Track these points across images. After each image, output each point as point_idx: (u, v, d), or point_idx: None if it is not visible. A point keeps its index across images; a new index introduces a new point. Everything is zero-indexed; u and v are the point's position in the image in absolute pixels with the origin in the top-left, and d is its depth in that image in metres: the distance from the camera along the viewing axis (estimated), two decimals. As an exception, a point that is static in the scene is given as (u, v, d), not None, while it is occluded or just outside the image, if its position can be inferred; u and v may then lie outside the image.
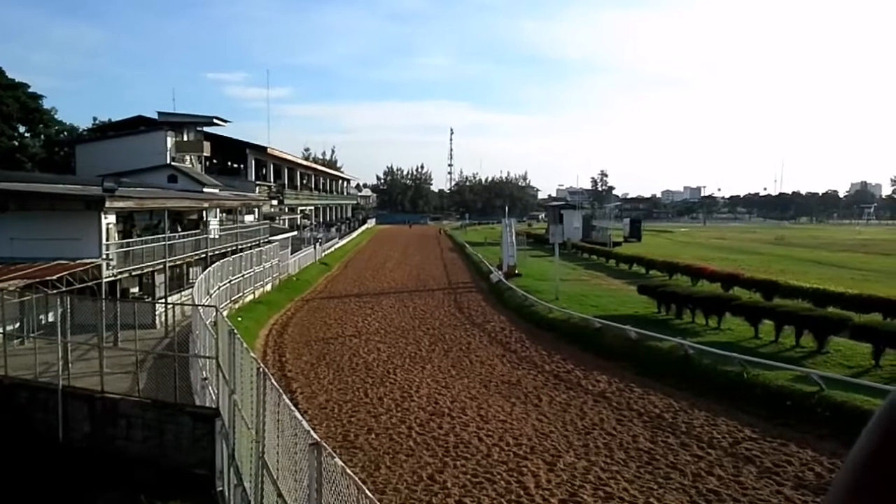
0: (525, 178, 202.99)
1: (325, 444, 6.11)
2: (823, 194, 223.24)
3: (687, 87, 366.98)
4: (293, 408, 7.52)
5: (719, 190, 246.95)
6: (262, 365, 9.39)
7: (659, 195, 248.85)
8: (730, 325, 26.79)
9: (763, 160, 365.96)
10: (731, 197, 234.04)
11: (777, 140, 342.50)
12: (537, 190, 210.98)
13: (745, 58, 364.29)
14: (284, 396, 7.89)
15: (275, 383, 8.44)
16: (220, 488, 13.78)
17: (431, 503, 13.41)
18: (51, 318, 22.61)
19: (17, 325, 22.50)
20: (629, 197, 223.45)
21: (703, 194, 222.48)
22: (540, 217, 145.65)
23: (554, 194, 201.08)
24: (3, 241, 24.37)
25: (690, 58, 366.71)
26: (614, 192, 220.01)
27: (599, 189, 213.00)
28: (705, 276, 38.71)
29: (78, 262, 24.40)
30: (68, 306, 19.68)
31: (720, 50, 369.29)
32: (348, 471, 5.53)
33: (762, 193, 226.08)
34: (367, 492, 5.13)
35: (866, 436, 0.75)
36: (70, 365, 18.48)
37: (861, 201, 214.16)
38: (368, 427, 17.92)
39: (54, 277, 22.27)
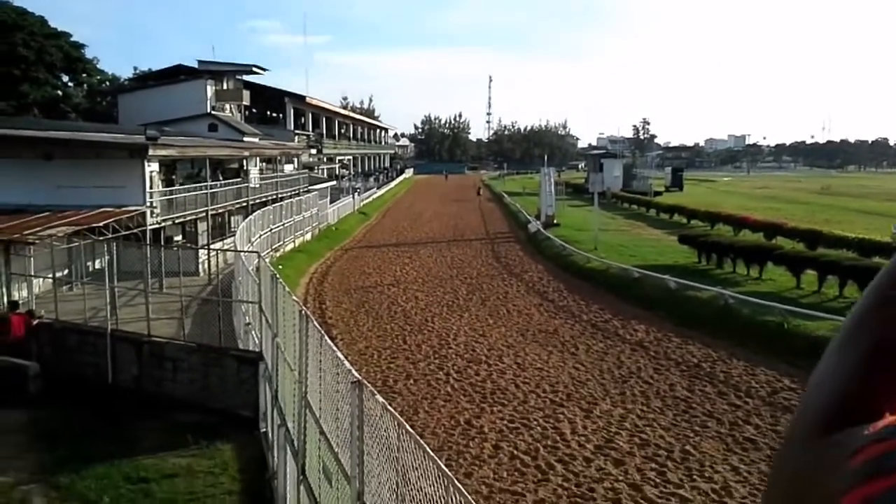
0: (565, 127, 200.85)
1: (366, 383, 6.24)
2: (873, 142, 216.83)
3: (731, 31, 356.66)
4: (335, 348, 7.66)
5: (764, 138, 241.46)
6: (304, 308, 9.56)
7: (702, 144, 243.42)
8: (771, 275, 26.46)
9: (810, 107, 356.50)
10: (777, 145, 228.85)
11: (825, 87, 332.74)
12: (577, 139, 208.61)
13: (791, 2, 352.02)
14: (326, 337, 8.05)
15: (316, 325, 8.60)
16: (264, 429, 14.17)
17: (469, 446, 13.66)
18: (98, 265, 23.18)
19: (66, 271, 23.13)
20: (671, 145, 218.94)
21: (747, 142, 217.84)
22: (580, 166, 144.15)
23: (594, 143, 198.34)
24: (50, 188, 24.86)
25: (734, 4, 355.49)
26: (656, 140, 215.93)
27: (641, 137, 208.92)
28: (747, 226, 38.17)
29: (123, 209, 24.87)
30: (115, 253, 20.14)
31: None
32: (389, 407, 5.64)
33: (809, 142, 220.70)
34: (407, 427, 5.24)
35: (861, 300, 0.73)
36: (117, 310, 18.99)
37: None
38: (407, 373, 18.22)
39: (100, 224, 22.75)
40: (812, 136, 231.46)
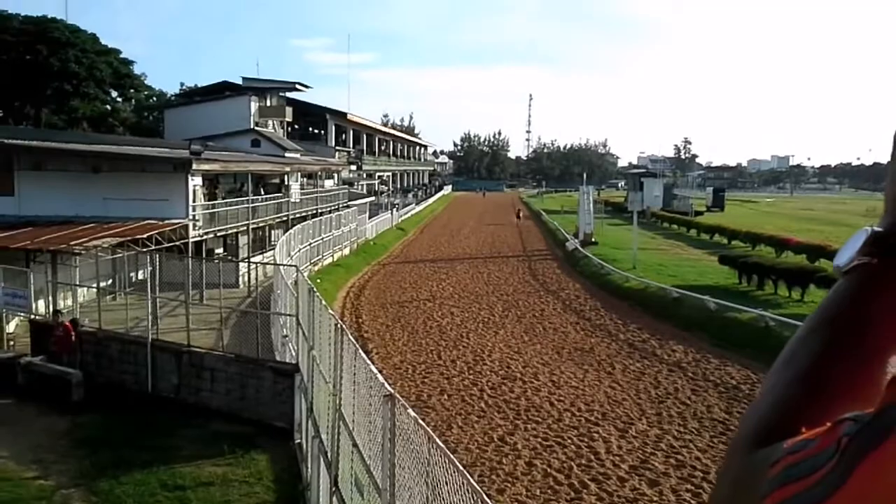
0: (605, 146, 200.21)
1: (398, 396, 6.30)
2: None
3: (776, 50, 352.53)
4: (368, 362, 7.76)
5: (809, 159, 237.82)
6: (339, 321, 9.67)
7: (745, 164, 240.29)
8: (814, 297, 25.94)
9: (856, 128, 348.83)
10: (822, 167, 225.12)
11: (872, 107, 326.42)
12: (617, 157, 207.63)
13: (839, 20, 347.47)
14: (360, 351, 8.14)
15: (351, 339, 8.70)
16: (299, 441, 14.29)
17: (502, 463, 13.61)
18: (140, 276, 23.66)
19: (110, 281, 23.65)
20: (713, 165, 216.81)
21: (791, 163, 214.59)
22: (620, 185, 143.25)
23: (635, 162, 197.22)
24: (96, 200, 25.48)
25: (779, 22, 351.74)
26: (697, 160, 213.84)
27: (682, 157, 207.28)
28: (790, 248, 37.48)
29: (166, 222, 25.38)
30: (157, 264, 20.55)
31: (812, 14, 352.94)
32: (420, 422, 5.70)
33: (854, 163, 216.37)
34: (438, 441, 5.29)
35: (804, 324, 0.79)
36: (158, 320, 19.35)
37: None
38: (441, 388, 18.23)
39: (144, 236, 23.26)
40: (858, 158, 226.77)
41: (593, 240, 47.18)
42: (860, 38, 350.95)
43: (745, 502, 0.66)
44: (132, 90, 60.97)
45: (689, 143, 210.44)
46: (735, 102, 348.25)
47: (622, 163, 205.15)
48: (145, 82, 63.30)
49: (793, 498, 0.57)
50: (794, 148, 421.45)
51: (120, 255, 23.00)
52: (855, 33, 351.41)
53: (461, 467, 4.93)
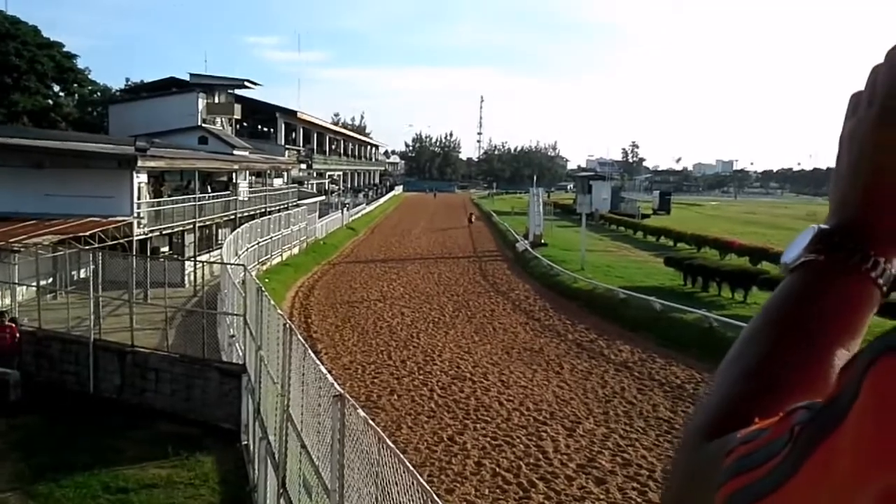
0: (555, 148, 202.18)
1: (348, 397, 6.26)
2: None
3: (721, 56, 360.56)
4: (318, 362, 7.69)
5: (752, 164, 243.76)
6: (288, 321, 9.58)
7: (690, 168, 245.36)
8: (757, 299, 26.56)
9: (798, 134, 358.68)
10: (764, 171, 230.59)
11: (813, 114, 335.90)
12: (566, 160, 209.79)
13: (781, 30, 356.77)
14: (310, 351, 8.07)
15: (300, 339, 8.62)
16: (246, 442, 14.11)
17: (451, 463, 13.64)
18: (83, 274, 23.06)
19: (51, 279, 23.01)
20: (660, 169, 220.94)
21: (735, 168, 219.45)
22: (569, 187, 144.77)
23: (584, 165, 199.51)
24: (38, 196, 24.76)
25: (726, 27, 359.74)
26: (645, 163, 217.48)
27: (630, 160, 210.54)
28: (734, 250, 38.32)
29: (110, 219, 24.78)
30: (100, 263, 20.06)
31: (755, 21, 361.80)
32: (370, 422, 5.67)
33: (795, 168, 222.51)
34: (388, 442, 5.26)
35: (752, 320, 0.80)
36: (101, 320, 18.88)
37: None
38: (391, 388, 18.18)
39: (87, 234, 22.66)
40: (799, 163, 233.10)
41: (543, 241, 47.59)
42: (801, 47, 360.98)
43: (699, 494, 0.65)
44: (75, 85, 59.30)
45: (637, 146, 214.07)
46: (682, 108, 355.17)
47: (571, 165, 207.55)
48: (89, 77, 61.63)
49: (745, 488, 0.57)
50: (737, 153, 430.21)
51: (61, 252, 22.38)
52: (796, 42, 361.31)
53: (411, 467, 4.92)
